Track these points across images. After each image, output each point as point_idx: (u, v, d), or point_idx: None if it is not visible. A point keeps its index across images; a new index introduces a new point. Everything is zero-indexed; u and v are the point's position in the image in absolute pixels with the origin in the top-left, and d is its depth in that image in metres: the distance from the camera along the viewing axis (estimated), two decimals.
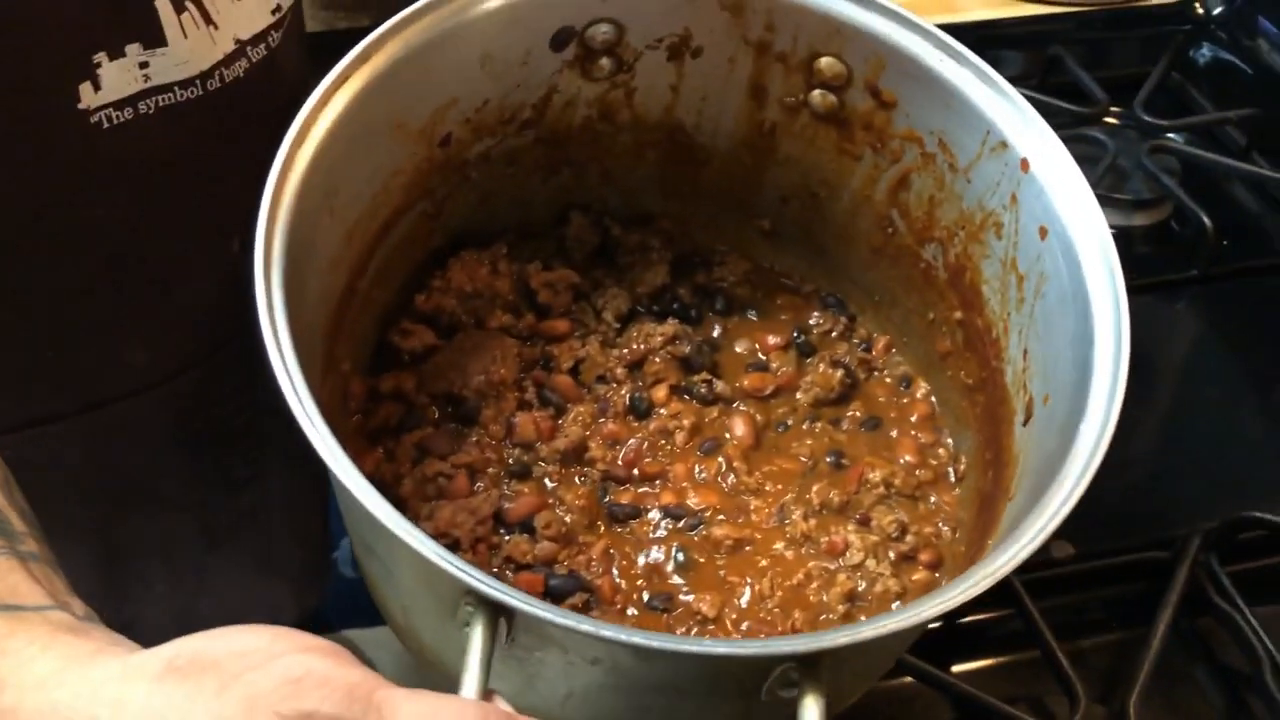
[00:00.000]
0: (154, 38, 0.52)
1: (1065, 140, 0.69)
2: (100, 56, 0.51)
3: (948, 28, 0.94)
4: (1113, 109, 0.83)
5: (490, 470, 0.49)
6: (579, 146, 0.54)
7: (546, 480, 0.50)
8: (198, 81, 0.55)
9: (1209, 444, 0.68)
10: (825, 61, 0.49)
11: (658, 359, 0.54)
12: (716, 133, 0.54)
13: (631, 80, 0.52)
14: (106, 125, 0.52)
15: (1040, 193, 0.44)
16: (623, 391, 0.53)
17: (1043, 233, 0.44)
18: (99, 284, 0.58)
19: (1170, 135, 0.83)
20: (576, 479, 0.50)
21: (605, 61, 0.51)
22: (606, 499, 0.50)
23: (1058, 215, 0.43)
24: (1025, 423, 0.44)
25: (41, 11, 0.48)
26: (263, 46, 0.57)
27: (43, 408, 0.60)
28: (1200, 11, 0.94)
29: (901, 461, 0.52)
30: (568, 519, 0.48)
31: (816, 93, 0.50)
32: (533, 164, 0.54)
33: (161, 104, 0.54)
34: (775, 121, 0.52)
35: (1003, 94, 0.45)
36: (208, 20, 0.54)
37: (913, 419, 0.54)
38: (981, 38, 0.92)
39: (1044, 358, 0.44)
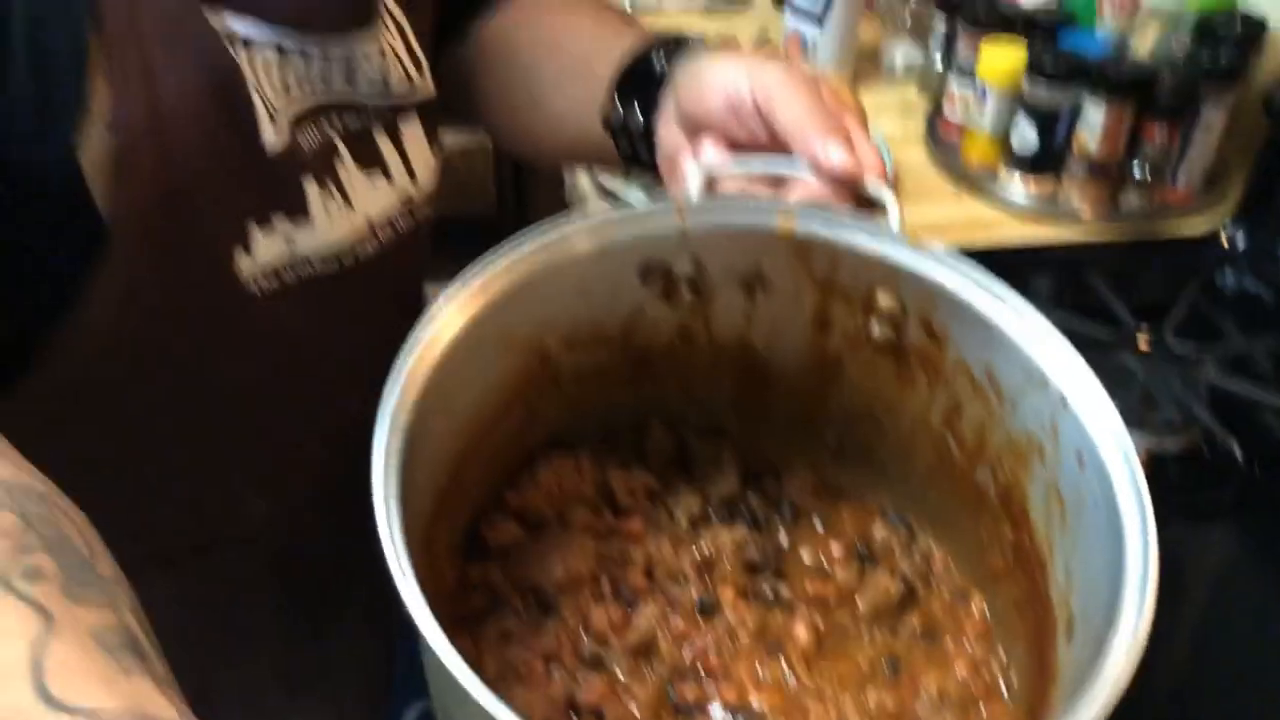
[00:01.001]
0: (300, 213, 0.61)
1: (1097, 364, 0.74)
2: (252, 225, 0.60)
3: (986, 251, 1.01)
4: (1142, 334, 0.88)
5: (566, 659, 0.54)
6: (661, 364, 0.61)
7: (617, 671, 0.54)
8: (335, 258, 0.64)
9: (1237, 671, 0.69)
10: (883, 299, 0.56)
11: (726, 562, 0.59)
12: (785, 357, 0.60)
13: (709, 308, 0.59)
14: (255, 291, 0.61)
15: (1077, 424, 0.49)
16: (692, 591, 0.57)
17: (1080, 461, 0.48)
18: (227, 435, 0.65)
19: (1199, 362, 0.87)
20: (645, 671, 0.54)
21: (686, 291, 0.58)
22: (672, 693, 0.54)
23: (1094, 446, 0.48)
24: (1068, 640, 0.48)
25: (206, 181, 0.57)
26: (390, 230, 0.66)
27: (157, 550, 0.67)
28: (1226, 244, 1.00)
29: (956, 673, 0.55)
30: (635, 709, 0.52)
31: (875, 326, 0.57)
32: (619, 378, 0.61)
33: (303, 275, 0.62)
34: (839, 350, 0.59)
35: (1041, 332, 0.51)
36: (346, 201, 0.63)
37: (968, 632, 0.57)
38: (1017, 262, 0.99)
39: (1083, 577, 0.47)
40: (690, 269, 0.57)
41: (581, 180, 1.14)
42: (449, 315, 0.49)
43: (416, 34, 0.67)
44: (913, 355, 0.56)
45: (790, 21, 1.26)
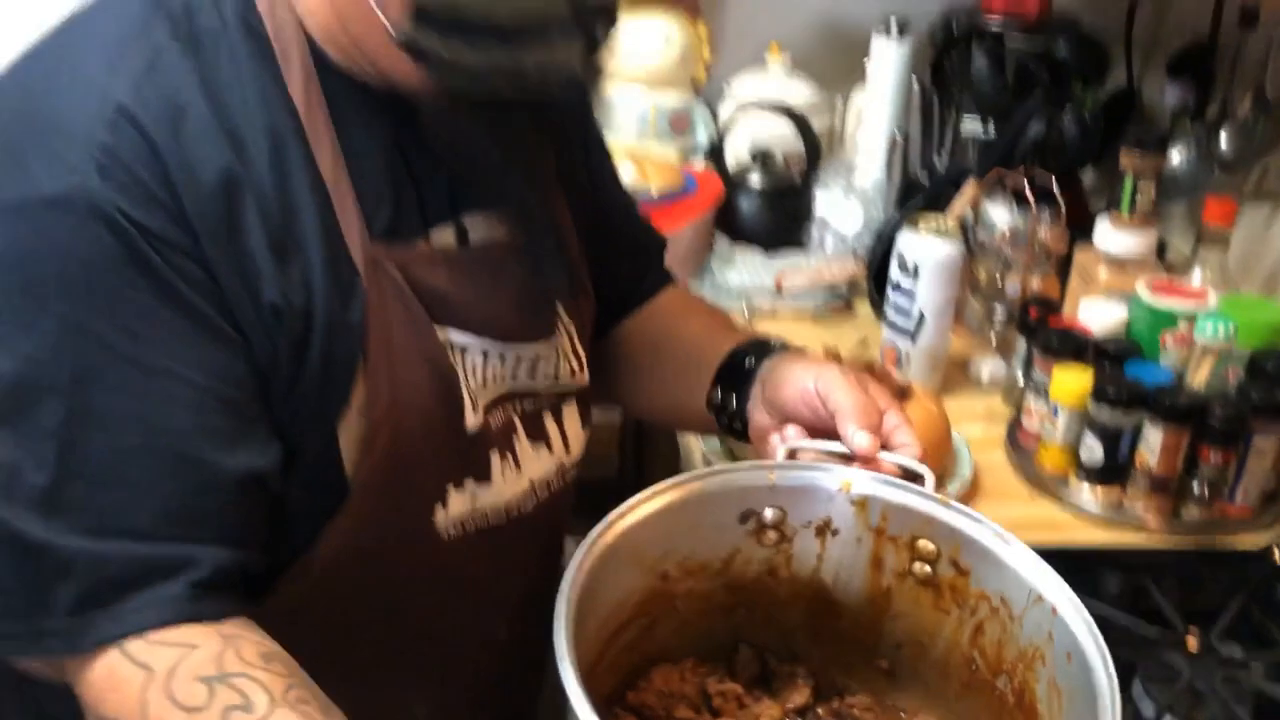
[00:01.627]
0: (484, 477, 0.83)
1: (1146, 660, 0.86)
2: (450, 487, 0.81)
3: (1056, 550, 1.14)
4: (1192, 636, 0.98)
5: None
6: (751, 593, 0.81)
7: None
8: (504, 511, 0.85)
9: None
10: (921, 542, 0.76)
11: None
12: (849, 591, 0.80)
13: (790, 549, 0.79)
14: (445, 538, 0.82)
15: (1066, 629, 0.67)
16: None
17: (1069, 657, 0.66)
18: (404, 651, 0.84)
19: (1245, 666, 0.95)
20: None
21: (772, 534, 0.79)
22: None
23: (1078, 642, 0.66)
24: None
25: (423, 454, 0.79)
26: (547, 490, 0.88)
27: None
28: (1279, 559, 1.12)
29: None
30: None
31: (917, 564, 0.76)
32: (718, 603, 0.81)
33: (479, 524, 0.83)
34: (890, 584, 0.78)
35: (1037, 563, 0.70)
36: (518, 468, 0.85)
37: None
38: (1084, 562, 1.09)
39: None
40: (778, 516, 0.78)
41: (694, 454, 1.35)
42: (604, 534, 0.70)
43: (580, 338, 0.92)
44: (945, 586, 0.76)
45: (887, 334, 1.47)
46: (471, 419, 0.82)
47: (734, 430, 0.92)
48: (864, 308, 1.68)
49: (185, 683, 0.65)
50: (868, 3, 1.83)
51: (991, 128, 1.67)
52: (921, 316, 1.43)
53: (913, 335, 1.45)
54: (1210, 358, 1.20)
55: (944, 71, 1.73)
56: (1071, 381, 1.25)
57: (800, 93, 1.85)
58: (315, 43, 0.75)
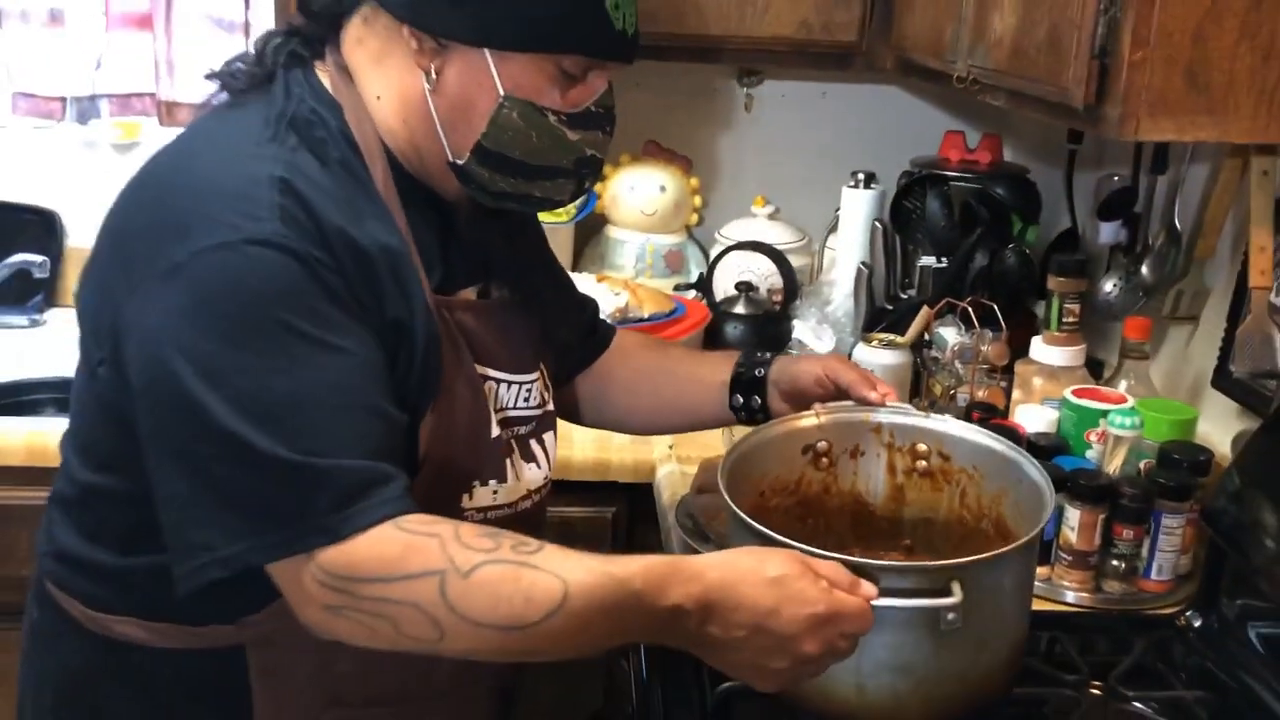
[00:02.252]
0: (502, 479, 1.13)
1: (1055, 699, 1.19)
2: (475, 483, 1.11)
3: None
4: (1095, 681, 1.20)
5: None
6: (813, 506, 1.25)
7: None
8: (514, 505, 1.15)
9: None
10: (919, 446, 1.21)
11: None
12: (875, 494, 1.25)
13: (834, 469, 1.24)
14: (467, 518, 1.08)
15: (1016, 466, 1.15)
16: None
17: (1019, 481, 1.13)
18: None
19: (1136, 704, 1.16)
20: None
21: (824, 460, 1.23)
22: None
23: (1025, 472, 1.13)
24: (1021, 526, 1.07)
25: (462, 451, 1.08)
26: (536, 495, 1.22)
27: (394, 691, 1.09)
28: (1183, 623, 1.34)
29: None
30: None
31: (918, 462, 1.21)
32: (795, 515, 1.24)
33: (497, 515, 1.13)
34: (901, 483, 1.23)
35: (992, 438, 1.16)
36: (518, 478, 1.20)
37: None
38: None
39: (1026, 515, 1.09)
40: (827, 447, 1.23)
41: (673, 542, 1.69)
42: (732, 453, 1.15)
43: (550, 374, 1.29)
44: (937, 473, 1.21)
45: None
46: (494, 430, 1.13)
47: (757, 422, 1.33)
48: None
49: (472, 538, 0.92)
50: (839, 160, 2.23)
51: (944, 261, 1.95)
52: None
53: None
54: (1123, 447, 1.42)
55: (903, 213, 2.03)
56: None
57: (781, 235, 2.25)
58: (390, 150, 1.07)
